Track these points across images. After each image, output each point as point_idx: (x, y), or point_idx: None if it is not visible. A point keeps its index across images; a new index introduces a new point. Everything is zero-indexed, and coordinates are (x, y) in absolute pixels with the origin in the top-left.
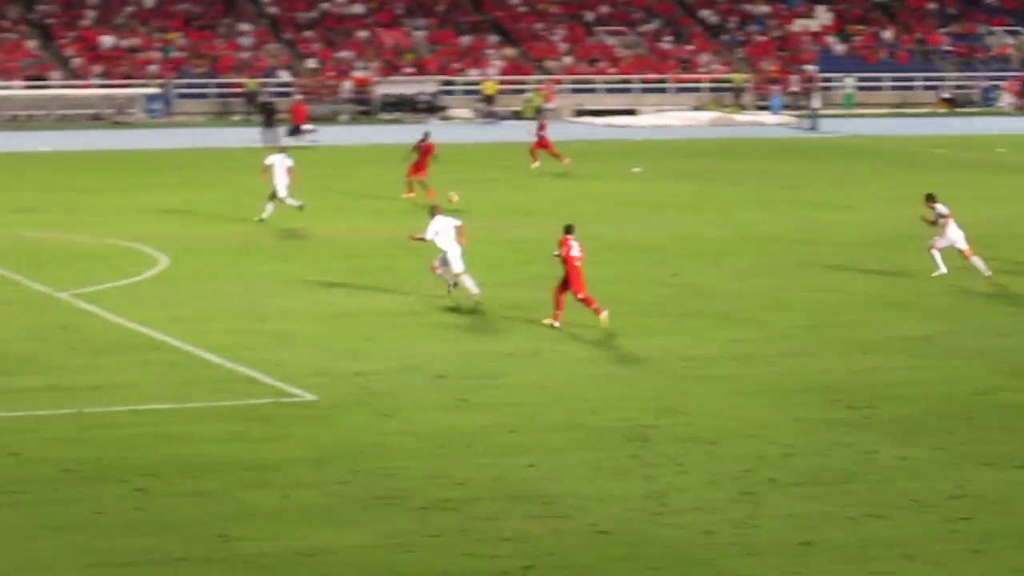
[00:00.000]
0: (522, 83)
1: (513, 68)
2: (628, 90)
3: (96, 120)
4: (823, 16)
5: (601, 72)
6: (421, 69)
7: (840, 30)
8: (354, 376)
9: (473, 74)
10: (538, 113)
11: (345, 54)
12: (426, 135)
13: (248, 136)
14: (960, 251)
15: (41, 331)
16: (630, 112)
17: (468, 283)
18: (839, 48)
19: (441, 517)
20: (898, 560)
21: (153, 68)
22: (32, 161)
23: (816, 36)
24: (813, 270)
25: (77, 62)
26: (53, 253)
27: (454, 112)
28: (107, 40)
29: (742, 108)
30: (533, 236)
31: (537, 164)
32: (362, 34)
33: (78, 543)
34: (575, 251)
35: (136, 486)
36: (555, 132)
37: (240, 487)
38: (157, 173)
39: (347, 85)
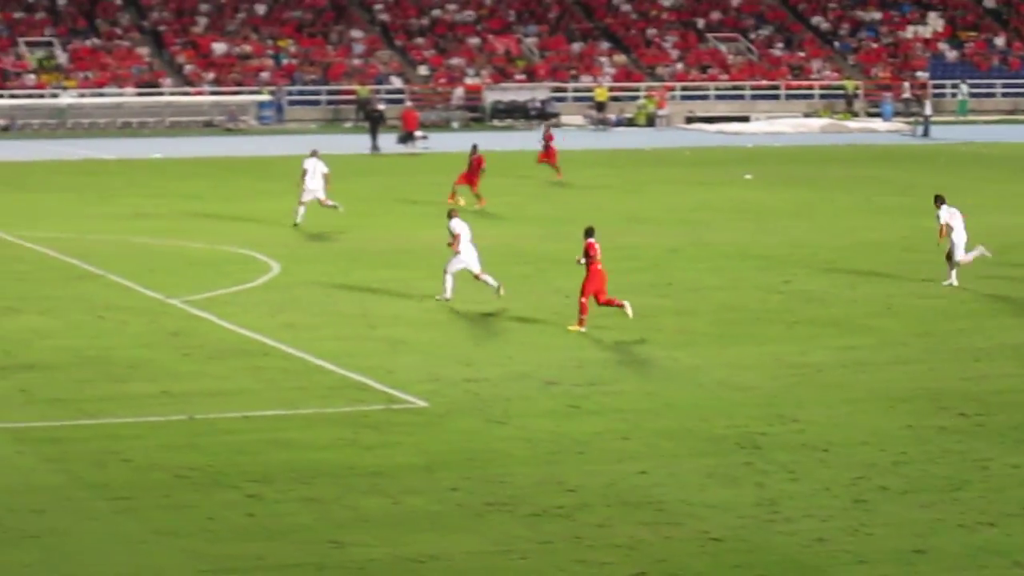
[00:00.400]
0: (633, 90)
1: (624, 75)
2: (740, 97)
3: (208, 127)
4: (935, 23)
5: (712, 79)
6: (532, 76)
7: (952, 37)
8: (465, 382)
9: (584, 81)
10: (547, 125)
11: (456, 61)
12: (475, 148)
13: (360, 143)
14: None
15: (153, 337)
16: (741, 119)
17: (491, 281)
18: (951, 55)
19: (552, 524)
20: (1011, 568)
21: (265, 75)
22: (144, 168)
23: (928, 43)
24: (924, 277)
25: (189, 69)
26: (165, 259)
27: (565, 119)
28: (219, 47)
29: (854, 115)
30: (645, 243)
31: (560, 177)
32: (473, 41)
33: (190, 549)
34: (597, 254)
35: (248, 492)
36: (667, 138)
37: (352, 493)
38: (268, 180)
39: (458, 92)
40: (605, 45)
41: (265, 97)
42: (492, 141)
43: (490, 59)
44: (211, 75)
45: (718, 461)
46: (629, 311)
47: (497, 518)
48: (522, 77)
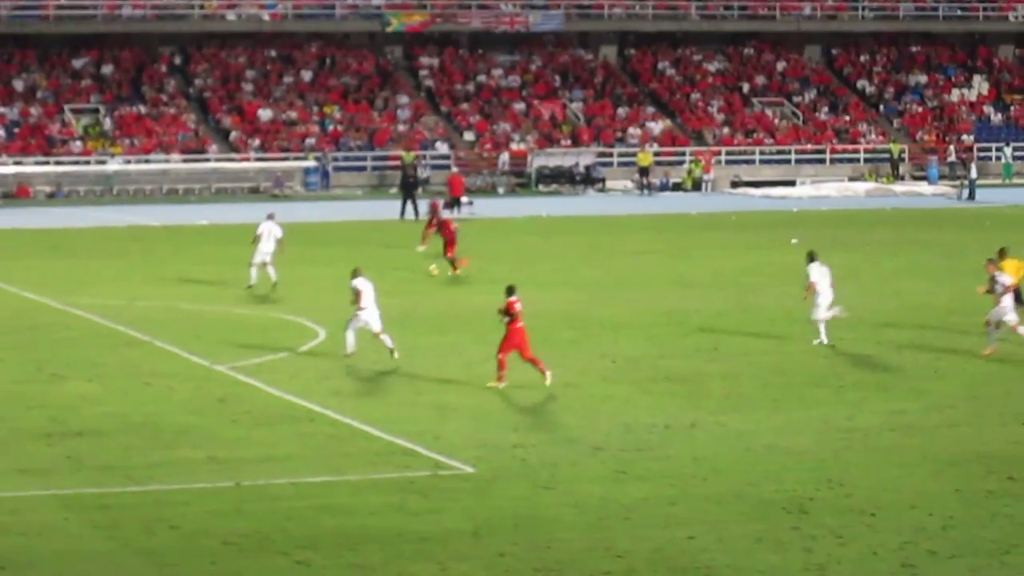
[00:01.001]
0: (679, 154)
1: (669, 139)
2: (785, 161)
3: (254, 193)
4: (980, 86)
5: (758, 143)
6: (577, 141)
7: (997, 99)
8: (512, 448)
9: (630, 144)
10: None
11: (502, 126)
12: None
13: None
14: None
15: (200, 403)
16: (787, 183)
17: (387, 342)
18: (996, 118)
19: None
20: None
21: (311, 141)
22: (190, 234)
23: (973, 106)
24: (971, 340)
25: (235, 135)
26: (212, 326)
27: (611, 183)
28: (265, 113)
29: (899, 178)
30: (692, 307)
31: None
32: (519, 106)
33: None
34: (518, 312)
35: (296, 559)
36: (713, 202)
37: (400, 559)
38: (315, 246)
39: (504, 157)
40: (650, 109)
41: (311, 163)
42: (538, 206)
43: (536, 124)
44: (257, 141)
45: (766, 526)
46: (548, 380)
47: None
48: (567, 142)
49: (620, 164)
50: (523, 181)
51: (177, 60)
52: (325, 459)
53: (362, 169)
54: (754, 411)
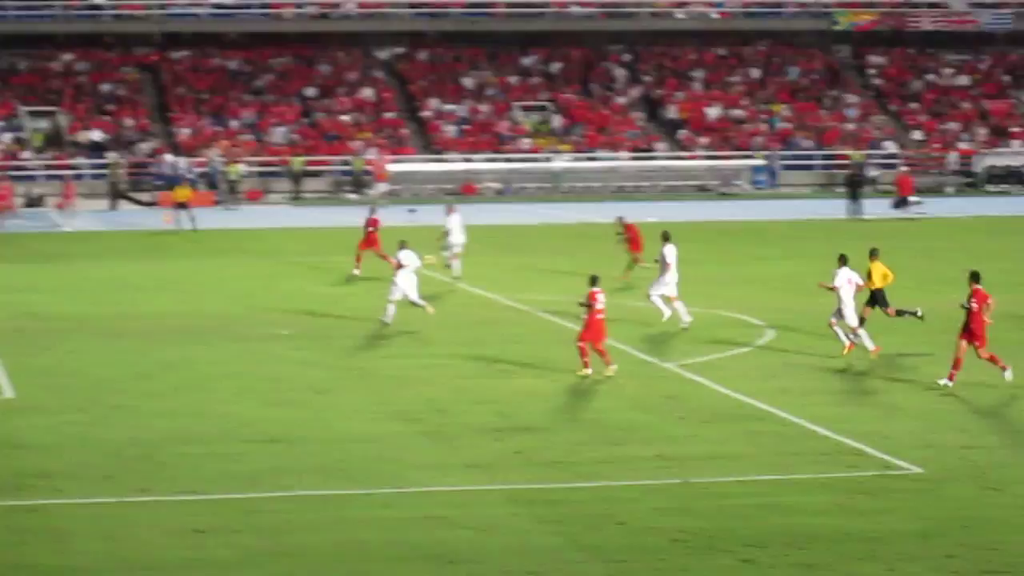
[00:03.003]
0: None
1: None
2: None
3: (701, 191)
4: None
5: None
6: None
7: None
8: (961, 449)
9: None
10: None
11: (951, 125)
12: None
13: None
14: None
15: (648, 401)
16: None
17: (422, 303)
18: None
19: None
20: None
21: (759, 140)
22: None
23: None
24: None
25: (682, 134)
26: (659, 323)
27: None
28: (713, 112)
29: None
30: None
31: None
32: (967, 105)
33: None
34: (599, 304)
35: (742, 557)
36: None
37: (847, 559)
38: (763, 245)
39: (952, 157)
40: None
41: (759, 162)
42: (985, 206)
43: (985, 123)
44: (705, 140)
45: None
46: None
47: None
48: (1019, 142)
49: None
50: (971, 181)
51: (626, 58)
52: (772, 458)
53: (810, 168)
54: None
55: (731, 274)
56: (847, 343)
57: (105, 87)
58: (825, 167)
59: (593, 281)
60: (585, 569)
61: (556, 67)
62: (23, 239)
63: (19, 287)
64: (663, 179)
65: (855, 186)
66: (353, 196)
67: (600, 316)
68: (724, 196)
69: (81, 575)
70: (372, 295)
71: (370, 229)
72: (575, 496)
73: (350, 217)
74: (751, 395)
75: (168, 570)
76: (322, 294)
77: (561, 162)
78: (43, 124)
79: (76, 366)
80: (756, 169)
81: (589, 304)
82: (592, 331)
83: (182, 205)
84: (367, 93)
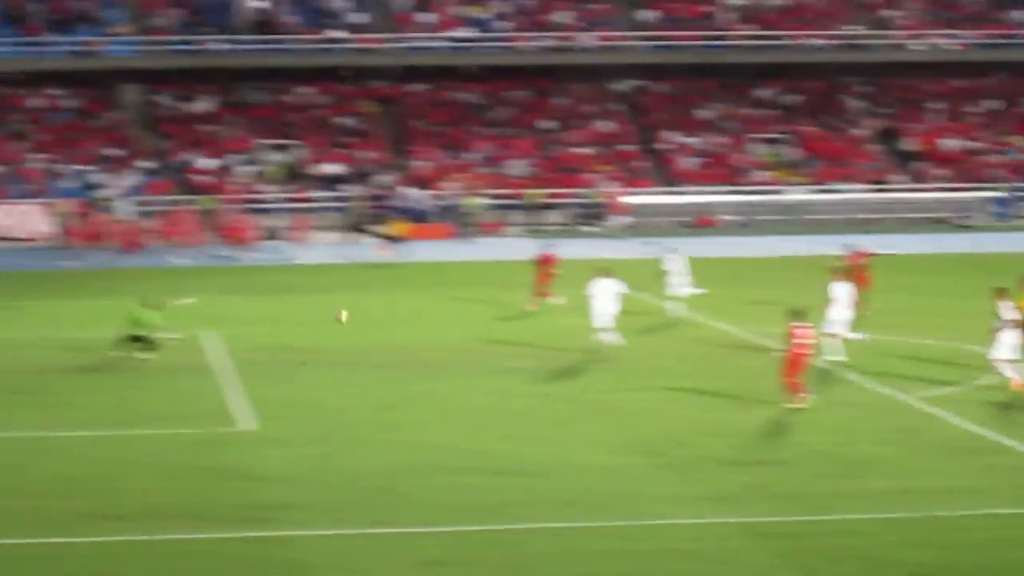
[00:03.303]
0: None
1: None
2: None
3: (938, 223)
4: None
5: None
6: None
7: None
8: None
9: None
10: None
11: None
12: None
13: None
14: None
15: (888, 434)
16: None
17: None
18: None
19: None
20: None
21: (999, 172)
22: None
23: None
24: None
25: (918, 165)
26: (898, 355)
27: None
28: (950, 143)
29: None
30: None
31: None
32: None
33: None
34: (799, 339)
35: None
36: None
37: None
38: (999, 277)
39: None
40: None
41: (1000, 194)
42: None
43: None
44: (942, 171)
45: None
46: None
47: None
48: None
49: None
50: None
51: (862, 89)
52: (1011, 491)
53: None
54: None
55: (969, 307)
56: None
57: (343, 120)
58: None
59: (795, 315)
60: None
61: (792, 99)
62: (260, 272)
63: (258, 319)
64: (900, 211)
65: None
66: (588, 228)
67: (801, 352)
68: (961, 228)
69: None
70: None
71: (545, 266)
72: (814, 529)
73: (587, 250)
74: (988, 427)
75: None
76: (561, 326)
77: (796, 194)
78: (280, 157)
79: (316, 398)
80: (994, 201)
81: (789, 338)
82: (791, 366)
83: (397, 238)
84: (604, 125)
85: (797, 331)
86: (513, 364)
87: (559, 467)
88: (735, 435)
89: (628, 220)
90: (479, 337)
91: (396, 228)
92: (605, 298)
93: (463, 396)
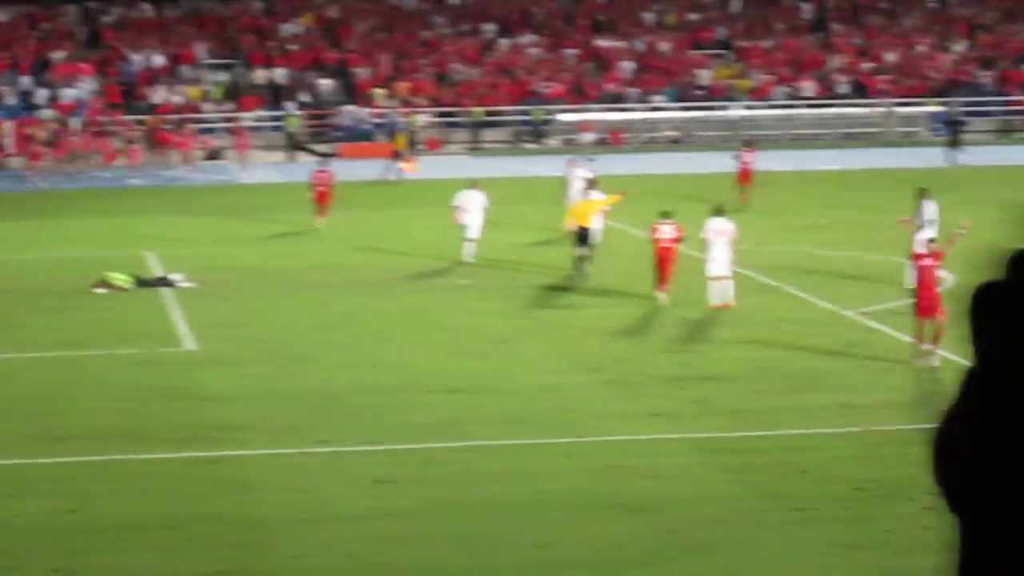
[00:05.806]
0: None
1: None
2: None
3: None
4: None
5: None
6: None
7: None
8: None
9: None
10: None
11: None
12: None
13: None
14: None
15: (829, 349)
16: None
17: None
18: None
19: None
20: None
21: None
22: (818, 180)
23: None
24: None
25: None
26: (840, 271)
27: None
28: (891, 56)
29: None
30: None
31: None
32: None
33: (868, 561)
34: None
35: (924, 504)
36: None
37: None
38: (946, 192)
39: None
40: None
41: (938, 109)
42: None
43: None
44: (884, 85)
45: None
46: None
47: None
48: None
49: None
50: None
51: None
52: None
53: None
54: None
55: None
56: None
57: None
58: (1006, 113)
59: (662, 214)
60: (768, 518)
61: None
62: (203, 192)
63: (199, 240)
64: (842, 127)
65: (955, 132)
66: (532, 146)
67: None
68: (905, 144)
69: (264, 525)
70: (556, 247)
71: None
72: (760, 445)
73: (531, 167)
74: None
75: (350, 520)
76: (502, 244)
77: (737, 110)
78: (223, 75)
79: (259, 318)
80: (937, 116)
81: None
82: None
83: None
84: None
85: (659, 227)
86: (457, 282)
87: (502, 385)
88: (678, 352)
89: (591, 137)
90: (422, 255)
91: (400, 143)
92: (475, 210)
93: (406, 315)
